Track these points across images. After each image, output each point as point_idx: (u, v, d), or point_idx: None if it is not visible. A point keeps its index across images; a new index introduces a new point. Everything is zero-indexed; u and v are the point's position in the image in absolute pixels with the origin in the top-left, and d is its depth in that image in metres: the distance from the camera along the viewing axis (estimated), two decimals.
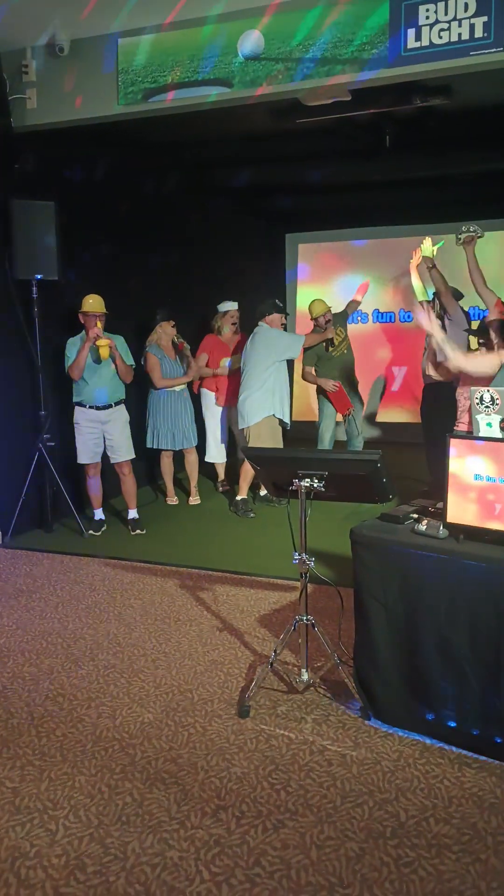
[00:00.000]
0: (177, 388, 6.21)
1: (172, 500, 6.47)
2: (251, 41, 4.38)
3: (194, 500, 6.49)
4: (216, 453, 6.79)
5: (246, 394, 5.83)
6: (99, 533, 5.61)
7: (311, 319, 6.50)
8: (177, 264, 7.41)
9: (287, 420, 5.98)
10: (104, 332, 5.32)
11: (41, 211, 5.27)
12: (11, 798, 2.52)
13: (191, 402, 6.36)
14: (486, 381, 4.54)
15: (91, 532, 5.58)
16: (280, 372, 5.88)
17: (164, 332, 6.14)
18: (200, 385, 6.75)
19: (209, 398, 6.72)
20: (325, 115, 5.38)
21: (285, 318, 6.06)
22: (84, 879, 2.15)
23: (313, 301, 6.55)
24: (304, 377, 6.66)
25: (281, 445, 5.91)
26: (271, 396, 5.81)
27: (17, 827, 2.37)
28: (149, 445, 6.27)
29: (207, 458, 6.82)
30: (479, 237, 4.77)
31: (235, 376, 6.65)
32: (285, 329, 6.16)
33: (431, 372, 5.04)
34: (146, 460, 6.54)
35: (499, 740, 2.66)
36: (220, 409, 6.71)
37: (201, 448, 6.77)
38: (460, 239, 4.78)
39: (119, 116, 4.83)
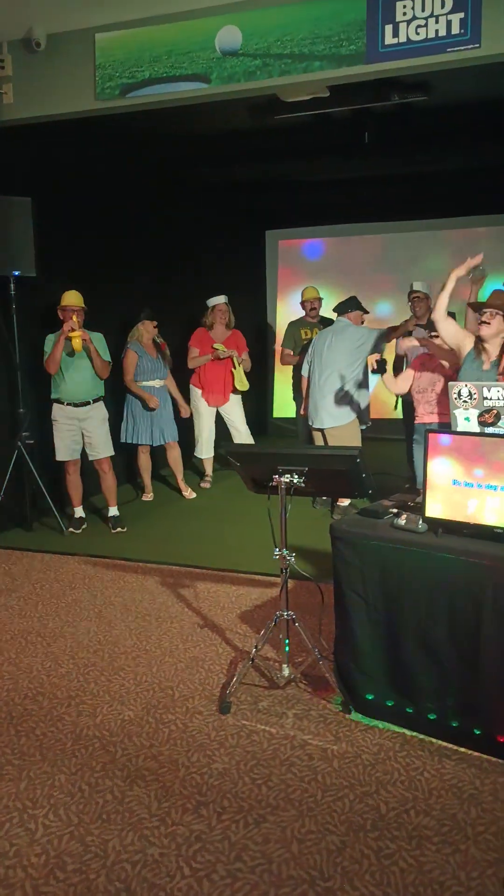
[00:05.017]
0: (156, 384, 6.20)
1: (149, 496, 6.46)
2: (229, 37, 4.37)
3: (189, 494, 6.49)
4: (205, 449, 6.83)
5: (338, 392, 5.54)
6: (79, 531, 5.58)
7: (301, 302, 6.84)
8: (157, 260, 7.39)
9: (369, 420, 5.80)
10: (83, 328, 5.29)
11: (18, 207, 5.22)
12: None
13: (170, 397, 6.35)
14: (434, 368, 4.62)
15: (71, 530, 5.55)
16: (362, 369, 5.71)
17: (146, 330, 6.14)
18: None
19: (195, 394, 6.82)
20: (303, 112, 5.38)
21: (363, 318, 5.89)
22: (64, 878, 2.14)
23: (307, 287, 6.87)
24: (282, 360, 6.93)
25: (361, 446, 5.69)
26: (359, 396, 5.62)
27: None
28: (126, 441, 6.23)
29: (197, 454, 6.90)
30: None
31: (221, 373, 6.69)
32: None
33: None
34: (126, 457, 6.51)
35: (478, 732, 2.68)
36: (208, 407, 6.81)
37: (190, 443, 6.85)
38: (476, 275, 4.74)
39: (96, 112, 4.80)
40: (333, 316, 5.96)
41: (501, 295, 4.07)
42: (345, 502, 5.75)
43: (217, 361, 6.68)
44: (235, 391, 6.82)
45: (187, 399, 6.72)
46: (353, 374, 5.57)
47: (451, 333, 4.06)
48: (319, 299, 6.81)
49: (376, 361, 4.91)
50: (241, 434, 6.92)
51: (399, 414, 6.45)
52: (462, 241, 8.97)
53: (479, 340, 3.96)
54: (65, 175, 6.04)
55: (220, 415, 6.95)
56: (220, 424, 6.96)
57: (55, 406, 5.44)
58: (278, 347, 9.68)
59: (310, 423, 5.80)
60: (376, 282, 9.18)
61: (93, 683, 3.27)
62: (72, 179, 6.12)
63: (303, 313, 6.89)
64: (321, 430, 5.68)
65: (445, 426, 4.42)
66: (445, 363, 4.51)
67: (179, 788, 2.53)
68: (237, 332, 6.80)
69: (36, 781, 2.58)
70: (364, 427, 5.77)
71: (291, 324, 6.93)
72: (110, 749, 2.77)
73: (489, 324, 3.84)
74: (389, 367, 4.90)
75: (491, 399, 3.66)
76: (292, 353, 6.72)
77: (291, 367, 6.85)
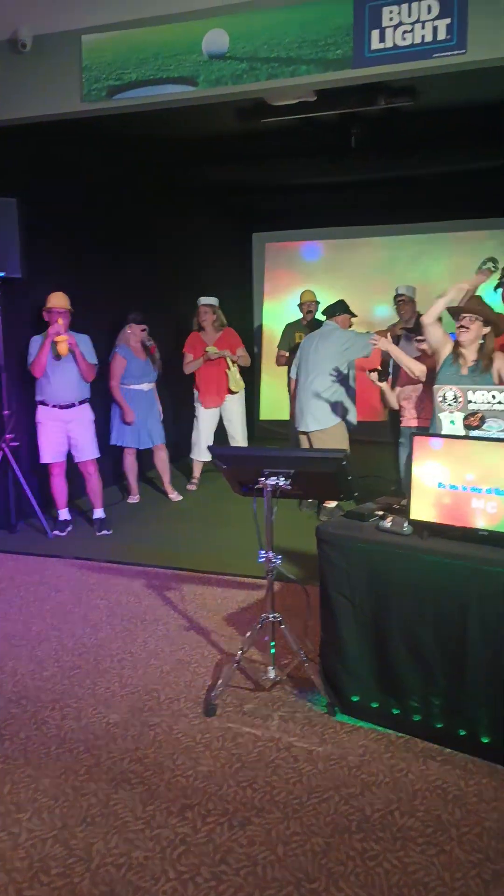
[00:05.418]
0: (145, 387, 6.19)
1: (135, 498, 6.45)
2: (216, 40, 4.38)
3: (175, 496, 6.49)
4: (201, 452, 6.83)
5: (323, 395, 5.55)
6: (64, 533, 5.55)
7: (298, 305, 7.07)
8: (145, 262, 7.38)
9: (355, 421, 5.82)
10: (69, 330, 5.27)
11: (4, 207, 5.19)
12: None
13: (157, 400, 6.35)
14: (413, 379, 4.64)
15: (56, 532, 5.52)
16: (352, 375, 5.72)
17: (133, 334, 6.13)
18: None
19: (196, 397, 6.86)
20: (290, 115, 5.41)
21: (351, 322, 5.88)
22: (48, 881, 2.13)
23: (304, 291, 7.08)
24: (277, 362, 7.10)
25: (348, 449, 5.58)
26: (344, 399, 5.62)
27: None
28: (112, 443, 6.23)
29: (192, 455, 6.89)
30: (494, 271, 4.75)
31: (214, 375, 6.69)
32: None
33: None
34: (112, 459, 6.49)
35: (463, 733, 2.69)
36: (206, 410, 6.80)
37: (178, 446, 6.90)
38: (482, 268, 4.73)
39: (83, 113, 4.79)
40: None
41: (479, 300, 4.09)
42: (331, 504, 5.77)
43: (211, 363, 6.66)
44: (231, 392, 6.83)
45: (187, 402, 6.76)
46: (339, 378, 5.58)
47: (437, 338, 4.10)
48: (316, 302, 6.92)
49: (376, 371, 4.90)
50: (237, 438, 6.92)
51: (386, 416, 6.50)
52: (455, 244, 9.04)
53: (457, 345, 3.99)
54: (51, 176, 6.03)
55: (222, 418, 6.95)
56: (221, 428, 6.96)
57: (40, 408, 5.42)
58: (265, 349, 9.76)
59: (296, 426, 5.82)
60: (370, 284, 9.19)
61: (78, 687, 3.26)
62: (58, 180, 6.11)
63: (299, 315, 7.05)
64: (307, 434, 5.70)
65: (424, 430, 4.44)
66: (415, 374, 4.52)
67: (164, 791, 2.52)
68: (229, 330, 6.79)
69: (20, 785, 2.57)
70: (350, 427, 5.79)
71: (288, 326, 7.11)
72: (95, 752, 2.76)
73: (468, 329, 3.87)
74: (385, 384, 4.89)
75: (475, 402, 3.68)
76: (286, 354, 6.84)
77: (286, 369, 6.94)
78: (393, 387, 4.82)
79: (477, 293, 4.62)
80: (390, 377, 4.86)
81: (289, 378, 6.25)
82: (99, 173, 6.67)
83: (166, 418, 6.47)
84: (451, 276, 8.81)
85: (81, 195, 6.40)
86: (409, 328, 5.92)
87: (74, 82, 4.72)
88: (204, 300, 6.71)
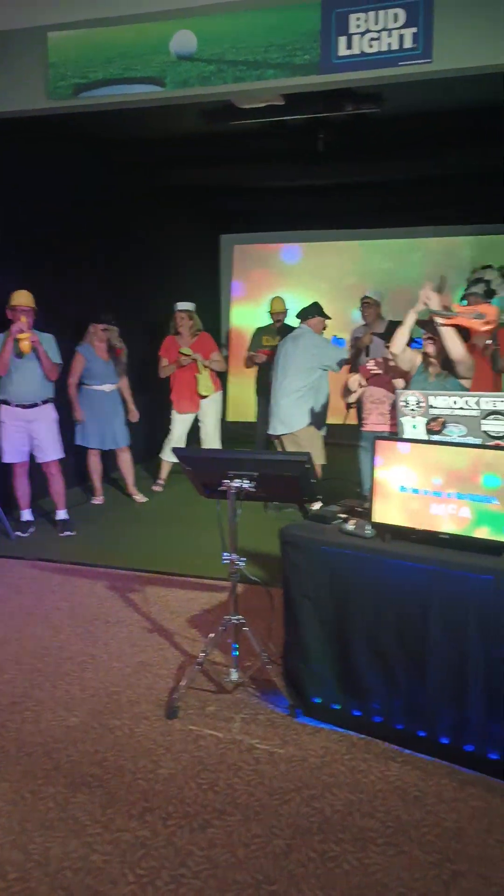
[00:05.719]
0: (107, 388, 6.15)
1: (99, 499, 6.41)
2: (184, 41, 4.38)
3: (140, 498, 6.47)
4: (170, 452, 6.79)
5: (290, 398, 5.56)
6: (26, 534, 5.48)
7: (269, 313, 7.13)
8: (113, 263, 7.33)
9: (324, 425, 5.85)
10: (33, 329, 5.21)
11: None
12: None
13: (121, 402, 6.31)
14: (385, 384, 4.67)
15: (18, 533, 5.45)
16: (324, 378, 5.72)
17: (95, 333, 6.09)
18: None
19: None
20: (258, 119, 5.42)
21: (325, 325, 5.89)
22: (5, 887, 2.09)
23: (274, 298, 7.13)
24: (246, 364, 7.24)
25: (322, 454, 5.64)
26: (315, 403, 5.63)
27: None
28: (77, 443, 6.18)
29: (161, 455, 6.85)
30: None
31: (187, 380, 6.67)
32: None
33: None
34: (76, 460, 6.43)
35: (422, 734, 2.72)
36: (180, 414, 6.76)
37: (144, 447, 6.94)
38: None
39: (49, 111, 4.74)
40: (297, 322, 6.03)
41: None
42: (316, 505, 5.80)
43: (184, 368, 6.63)
44: (201, 396, 6.80)
45: (158, 405, 6.78)
46: (307, 382, 5.60)
47: (408, 360, 4.16)
48: (285, 311, 7.03)
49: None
50: (209, 441, 6.90)
51: (352, 419, 6.54)
52: (432, 248, 9.13)
53: (425, 355, 4.05)
54: (17, 174, 5.95)
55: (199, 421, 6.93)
56: (196, 431, 6.93)
57: (2, 407, 5.34)
58: (233, 351, 9.76)
59: (266, 430, 5.86)
60: (343, 287, 9.22)
61: (38, 689, 3.22)
62: (24, 178, 6.03)
63: (271, 320, 7.12)
64: (278, 438, 5.72)
65: (394, 435, 4.48)
66: (400, 382, 4.56)
67: (124, 794, 2.50)
68: (205, 335, 6.76)
69: None
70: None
71: (258, 329, 7.17)
72: (54, 756, 2.73)
73: (434, 341, 3.93)
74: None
75: (437, 407, 3.72)
76: (255, 357, 6.92)
77: (256, 371, 7.09)
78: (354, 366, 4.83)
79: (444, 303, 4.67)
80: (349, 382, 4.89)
81: (263, 381, 6.33)
82: (67, 172, 6.60)
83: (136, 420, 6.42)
84: (426, 280, 8.96)
85: (48, 194, 6.33)
86: (378, 333, 5.96)
87: (40, 79, 4.67)
88: (181, 305, 6.67)
